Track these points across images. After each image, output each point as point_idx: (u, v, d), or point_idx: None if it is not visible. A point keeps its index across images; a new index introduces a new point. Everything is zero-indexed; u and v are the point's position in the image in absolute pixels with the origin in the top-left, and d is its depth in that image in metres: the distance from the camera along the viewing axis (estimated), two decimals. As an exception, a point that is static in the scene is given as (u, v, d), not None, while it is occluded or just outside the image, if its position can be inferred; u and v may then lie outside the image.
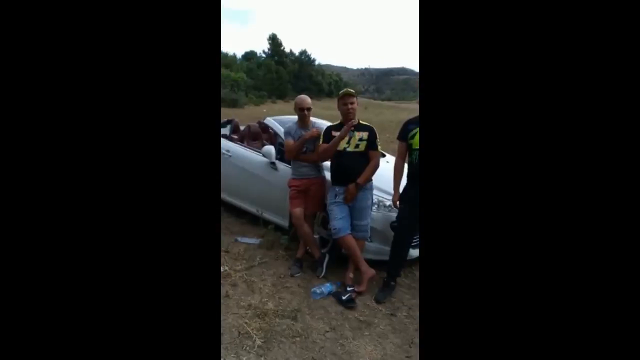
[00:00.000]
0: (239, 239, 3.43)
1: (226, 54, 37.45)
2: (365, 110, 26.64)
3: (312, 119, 3.10)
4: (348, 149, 2.70)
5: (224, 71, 28.98)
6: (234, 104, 23.44)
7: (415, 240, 2.79)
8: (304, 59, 48.57)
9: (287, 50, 45.93)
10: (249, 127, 4.22)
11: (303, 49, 48.91)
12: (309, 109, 2.90)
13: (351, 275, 2.74)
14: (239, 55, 43.18)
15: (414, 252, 2.86)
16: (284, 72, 40.31)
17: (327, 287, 2.63)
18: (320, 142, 2.77)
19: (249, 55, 43.95)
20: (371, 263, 2.74)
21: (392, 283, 2.70)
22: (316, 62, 53.03)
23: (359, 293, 2.62)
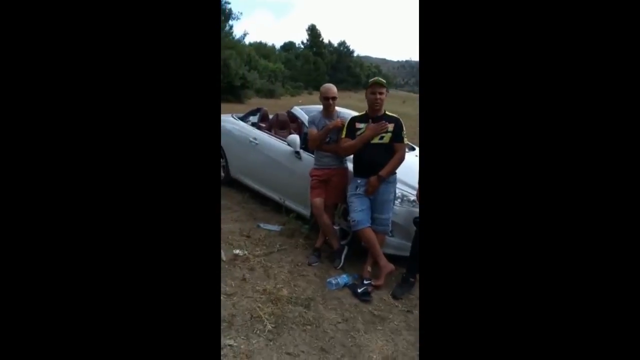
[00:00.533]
0: (261, 225, 3.49)
1: (265, 44, 37.93)
2: (403, 104, 25.97)
3: (337, 108, 3.05)
4: (372, 141, 2.63)
5: (262, 62, 29.44)
6: (270, 94, 23.80)
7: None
8: (342, 50, 48.11)
9: (325, 41, 45.69)
10: (277, 115, 4.26)
11: (342, 40, 48.45)
12: (334, 98, 2.85)
13: (369, 268, 2.69)
14: (278, 46, 43.55)
15: (437, 250, 2.75)
16: (322, 63, 40.21)
17: (343, 279, 2.61)
18: (343, 134, 2.72)
19: (288, 46, 44.23)
20: (391, 258, 2.67)
21: (412, 279, 2.63)
22: (355, 54, 52.35)
23: (376, 287, 2.58)
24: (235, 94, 18.06)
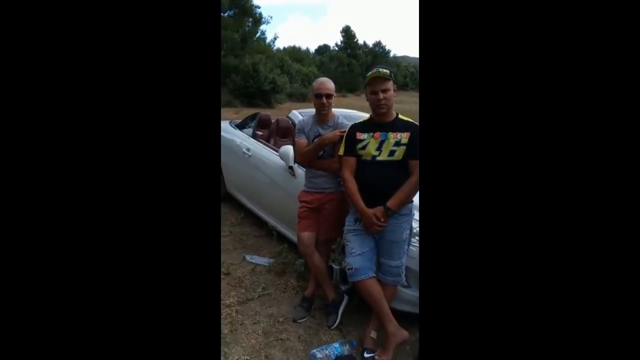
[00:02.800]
0: (247, 257, 2.84)
1: (299, 49, 37.95)
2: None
3: (337, 111, 2.33)
4: (378, 158, 1.88)
5: (295, 66, 29.33)
6: (302, 98, 23.45)
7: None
8: (378, 51, 46.86)
9: (360, 42, 44.81)
10: (277, 121, 3.60)
11: (377, 41, 47.27)
12: (328, 96, 2.12)
13: (373, 334, 1.94)
14: (312, 49, 43.43)
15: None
16: (356, 65, 39.39)
17: (334, 350, 1.88)
18: (342, 149, 1.98)
19: (322, 49, 43.89)
20: (405, 319, 1.90)
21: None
22: (391, 54, 50.92)
23: (381, 364, 1.82)
24: (266, 99, 17.90)
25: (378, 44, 47.15)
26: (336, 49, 42.84)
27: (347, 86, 34.94)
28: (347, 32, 42.55)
